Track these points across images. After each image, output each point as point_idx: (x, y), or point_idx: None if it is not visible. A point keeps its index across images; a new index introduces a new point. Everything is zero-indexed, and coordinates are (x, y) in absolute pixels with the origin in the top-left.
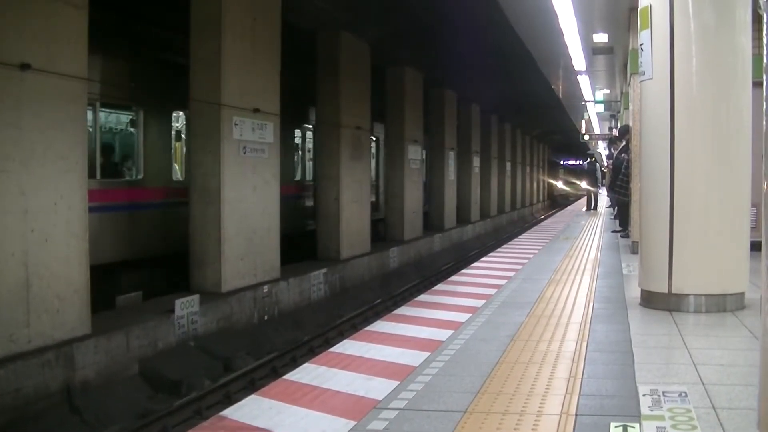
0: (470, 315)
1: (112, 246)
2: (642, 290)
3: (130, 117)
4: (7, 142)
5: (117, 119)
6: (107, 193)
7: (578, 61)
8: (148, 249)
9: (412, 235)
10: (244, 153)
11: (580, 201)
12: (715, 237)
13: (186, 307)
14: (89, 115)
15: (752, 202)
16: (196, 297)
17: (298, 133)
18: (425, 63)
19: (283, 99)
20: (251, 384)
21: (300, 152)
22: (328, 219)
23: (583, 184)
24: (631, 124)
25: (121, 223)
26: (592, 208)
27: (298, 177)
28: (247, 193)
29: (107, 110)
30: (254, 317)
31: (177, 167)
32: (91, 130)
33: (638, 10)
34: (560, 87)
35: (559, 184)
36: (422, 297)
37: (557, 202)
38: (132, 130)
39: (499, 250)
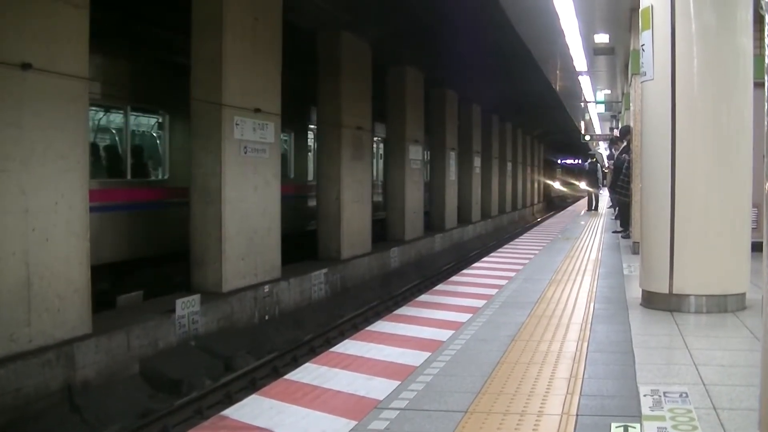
0: (471, 315)
1: (142, 242)
2: (643, 291)
3: (157, 120)
4: (8, 142)
5: (146, 122)
6: (137, 192)
7: (579, 61)
8: (173, 245)
9: (413, 235)
10: (245, 153)
11: (578, 203)
12: (716, 237)
13: (187, 306)
14: (120, 118)
15: (753, 202)
16: (197, 297)
17: (310, 135)
18: (426, 63)
19: (297, 101)
20: (252, 384)
21: (312, 153)
22: (328, 219)
23: (582, 185)
24: (632, 124)
25: (149, 220)
26: (593, 208)
27: (310, 177)
28: (247, 192)
29: (136, 114)
30: (255, 317)
31: None
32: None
33: (639, 10)
34: (558, 84)
35: (556, 185)
36: (423, 297)
37: (554, 203)
38: (158, 132)
39: (499, 250)
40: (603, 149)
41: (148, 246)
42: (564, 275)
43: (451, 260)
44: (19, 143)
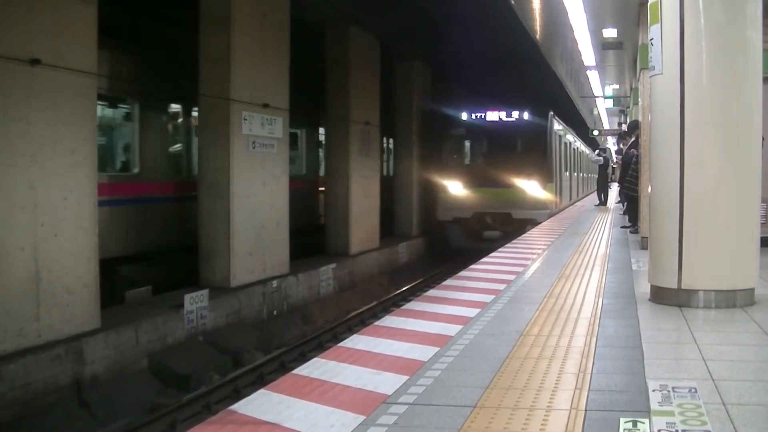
0: (479, 310)
1: None
2: (651, 286)
3: None
4: (17, 137)
5: None
6: None
7: (588, 56)
8: None
9: (421, 231)
10: (253, 148)
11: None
12: (725, 233)
13: (195, 302)
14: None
15: (762, 197)
16: (205, 292)
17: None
18: (433, 58)
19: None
20: (260, 378)
21: None
22: (337, 214)
23: (533, 187)
24: (640, 119)
25: None
26: (602, 203)
27: None
28: (256, 187)
29: None
30: (263, 312)
31: None
32: None
33: (648, 4)
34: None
35: (454, 187)
36: (431, 292)
37: (449, 241)
38: None
39: (508, 245)
40: (611, 144)
41: None
42: (572, 270)
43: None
44: (27, 138)
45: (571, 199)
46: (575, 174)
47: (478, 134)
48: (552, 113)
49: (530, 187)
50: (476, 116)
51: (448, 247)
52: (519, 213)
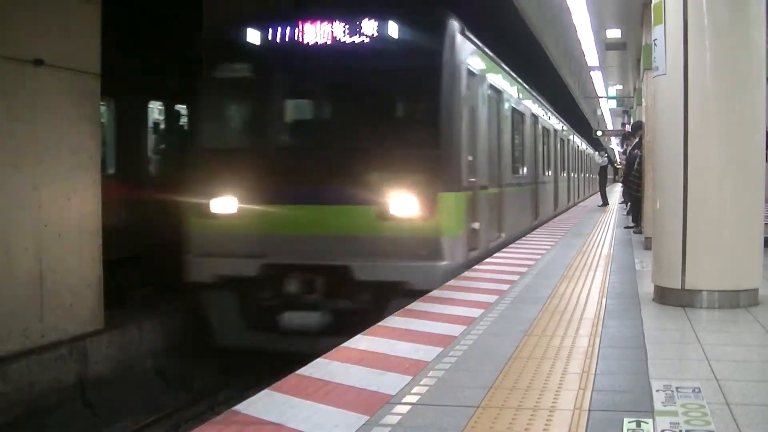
0: (483, 310)
1: None
2: (655, 286)
3: None
4: (21, 138)
5: None
6: None
7: (591, 56)
8: None
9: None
10: None
11: None
12: (729, 233)
13: None
14: None
15: (766, 197)
16: None
17: None
18: None
19: None
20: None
21: None
22: None
23: (403, 207)
24: (644, 119)
25: None
26: (604, 203)
27: None
28: None
29: None
30: None
31: None
32: None
33: (651, 5)
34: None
35: (223, 207)
36: (434, 293)
37: (213, 332)
38: None
39: (512, 246)
40: (614, 144)
41: None
42: (576, 271)
43: None
44: (31, 139)
45: (537, 217)
46: (549, 173)
47: (278, 78)
48: (459, 25)
49: (401, 203)
50: (274, 35)
51: (208, 347)
52: (368, 269)
